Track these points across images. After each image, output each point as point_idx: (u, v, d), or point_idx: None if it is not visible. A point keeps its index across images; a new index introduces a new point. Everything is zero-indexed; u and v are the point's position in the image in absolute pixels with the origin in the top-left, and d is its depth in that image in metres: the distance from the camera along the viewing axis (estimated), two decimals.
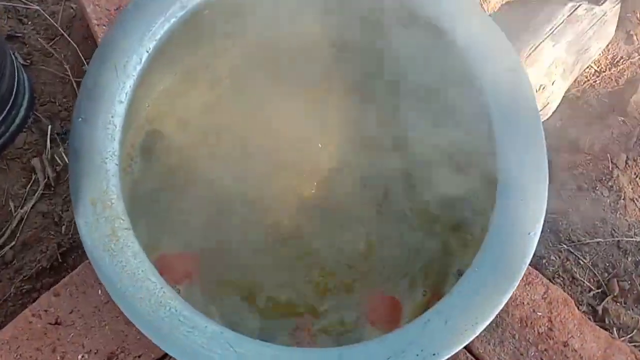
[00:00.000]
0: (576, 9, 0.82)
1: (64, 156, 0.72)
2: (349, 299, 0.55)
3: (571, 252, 0.73)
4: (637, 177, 0.79)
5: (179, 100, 0.58)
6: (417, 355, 0.39)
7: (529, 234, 0.44)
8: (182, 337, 0.39)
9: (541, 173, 0.46)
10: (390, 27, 0.54)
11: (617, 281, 0.71)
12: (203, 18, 0.50)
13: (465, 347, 0.61)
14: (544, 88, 0.80)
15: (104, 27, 0.67)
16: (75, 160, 0.43)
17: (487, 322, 0.41)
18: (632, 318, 0.69)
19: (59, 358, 0.54)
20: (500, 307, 0.41)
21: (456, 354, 0.50)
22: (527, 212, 0.45)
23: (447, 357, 0.40)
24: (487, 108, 0.48)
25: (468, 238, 0.53)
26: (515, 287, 0.42)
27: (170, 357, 0.55)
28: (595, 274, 0.72)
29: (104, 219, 0.42)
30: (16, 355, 0.53)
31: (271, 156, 0.58)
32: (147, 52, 0.47)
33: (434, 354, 0.40)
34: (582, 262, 0.72)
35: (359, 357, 0.39)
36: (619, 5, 0.84)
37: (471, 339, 0.41)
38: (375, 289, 0.55)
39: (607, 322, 0.69)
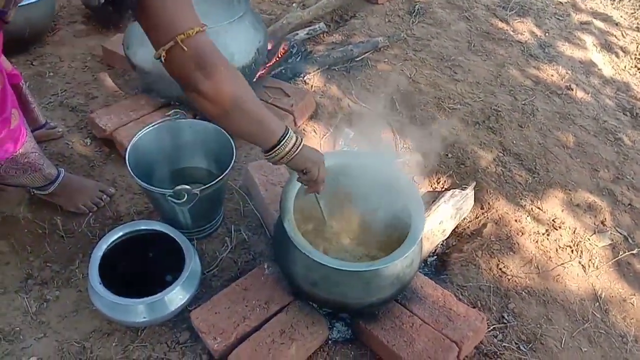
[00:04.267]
0: (454, 192, 1.90)
1: (235, 240, 1.69)
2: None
3: None
4: None
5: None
6: None
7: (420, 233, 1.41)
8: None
9: (422, 222, 1.43)
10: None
11: None
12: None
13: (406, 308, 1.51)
14: (442, 222, 1.82)
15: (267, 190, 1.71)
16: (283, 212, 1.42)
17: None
18: None
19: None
20: (409, 251, 1.35)
21: (400, 311, 1.44)
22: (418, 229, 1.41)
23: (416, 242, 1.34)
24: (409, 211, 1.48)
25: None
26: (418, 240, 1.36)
27: (289, 308, 1.45)
28: None
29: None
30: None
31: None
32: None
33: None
34: None
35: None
36: (473, 190, 1.93)
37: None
38: None
39: None
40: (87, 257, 1.60)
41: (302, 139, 1.19)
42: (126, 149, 1.52)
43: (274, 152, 1.15)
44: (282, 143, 1.14)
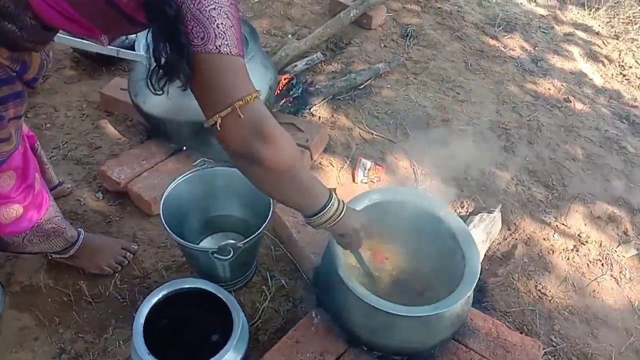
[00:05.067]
0: (482, 216, 1.89)
1: (273, 287, 1.63)
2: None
3: None
4: None
5: None
6: None
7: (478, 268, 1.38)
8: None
9: (477, 256, 1.41)
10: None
11: None
12: None
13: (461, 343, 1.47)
14: None
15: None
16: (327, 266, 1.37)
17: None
18: None
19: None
20: (471, 289, 1.32)
21: (456, 347, 1.40)
22: (475, 265, 1.39)
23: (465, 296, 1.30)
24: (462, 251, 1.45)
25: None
26: (474, 286, 1.33)
27: (345, 357, 1.40)
28: None
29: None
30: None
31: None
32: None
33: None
34: None
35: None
36: (499, 213, 1.92)
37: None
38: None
39: None
40: (121, 322, 1.51)
41: (344, 205, 1.17)
42: (160, 204, 1.44)
43: (317, 216, 1.13)
44: (326, 209, 1.12)
